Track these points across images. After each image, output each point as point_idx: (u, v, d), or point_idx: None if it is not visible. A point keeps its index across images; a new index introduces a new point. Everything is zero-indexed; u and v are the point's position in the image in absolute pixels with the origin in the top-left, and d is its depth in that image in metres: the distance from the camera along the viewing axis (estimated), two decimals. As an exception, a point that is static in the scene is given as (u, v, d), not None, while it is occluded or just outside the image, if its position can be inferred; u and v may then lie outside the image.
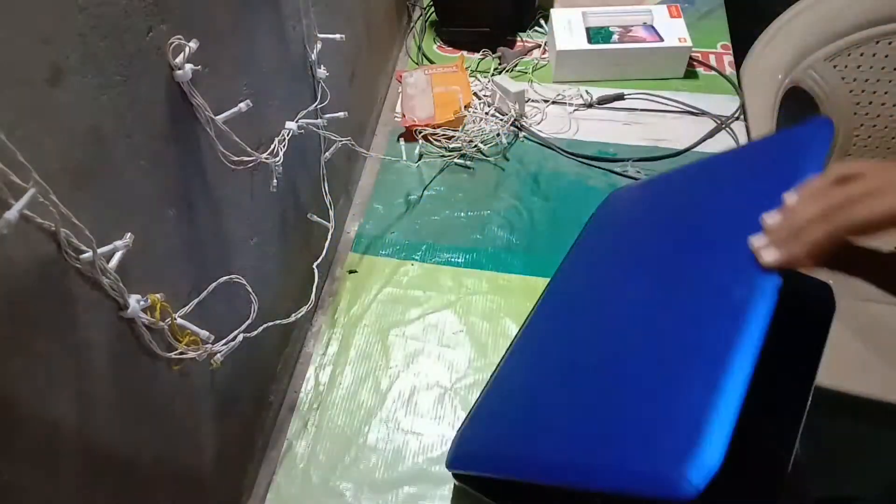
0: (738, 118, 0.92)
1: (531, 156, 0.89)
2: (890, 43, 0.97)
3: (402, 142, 0.92)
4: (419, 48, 1.07)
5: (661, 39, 0.96)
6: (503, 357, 0.64)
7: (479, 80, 0.99)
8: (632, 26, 0.98)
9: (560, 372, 0.53)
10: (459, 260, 0.78)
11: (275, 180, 0.59)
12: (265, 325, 0.58)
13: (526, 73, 1.01)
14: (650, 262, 0.55)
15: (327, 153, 0.73)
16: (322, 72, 0.69)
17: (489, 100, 0.94)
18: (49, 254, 0.34)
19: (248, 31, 0.54)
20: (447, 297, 0.75)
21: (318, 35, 0.68)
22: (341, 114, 0.71)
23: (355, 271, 0.78)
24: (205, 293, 0.50)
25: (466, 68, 1.00)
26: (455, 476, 0.57)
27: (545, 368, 0.56)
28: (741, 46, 1.02)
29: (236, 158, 0.52)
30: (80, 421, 0.38)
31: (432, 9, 1.09)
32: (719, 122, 0.91)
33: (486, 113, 0.93)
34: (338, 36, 0.69)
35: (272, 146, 0.60)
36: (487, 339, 0.71)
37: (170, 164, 0.45)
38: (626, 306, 0.53)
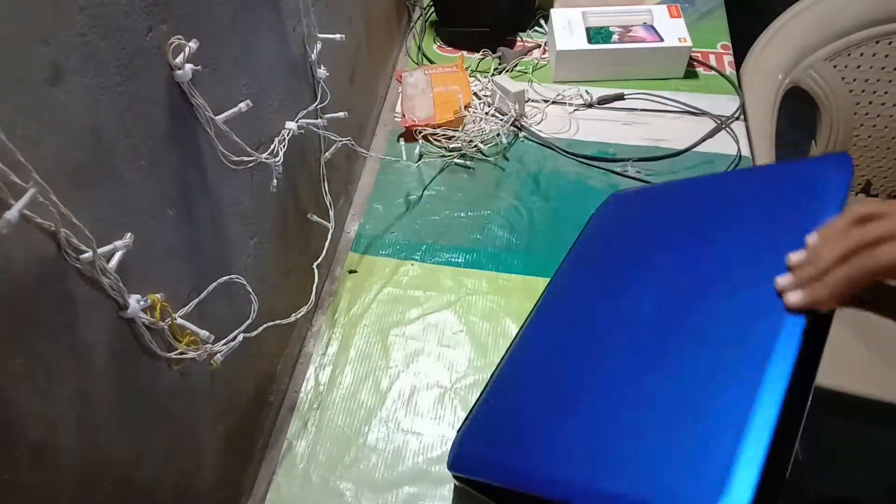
0: (738, 118, 0.92)
1: (531, 156, 0.89)
2: (890, 43, 0.97)
3: (402, 142, 0.92)
4: (419, 48, 1.07)
5: (661, 39, 0.96)
6: (503, 357, 0.64)
7: (479, 80, 0.99)
8: (632, 26, 0.98)
9: (566, 382, 0.53)
10: (459, 260, 0.78)
11: (275, 180, 0.59)
12: (265, 325, 0.58)
13: (526, 73, 1.01)
14: (661, 275, 0.55)
15: (327, 153, 0.73)
16: (322, 72, 0.69)
17: (489, 100, 0.94)
18: (49, 254, 0.34)
19: (248, 32, 0.54)
20: (447, 297, 0.75)
21: (318, 35, 0.68)
22: (341, 114, 0.71)
23: (355, 271, 0.78)
24: (205, 293, 0.50)
25: (466, 68, 1.00)
26: (455, 477, 0.57)
27: (550, 376, 0.56)
28: (741, 46, 1.02)
29: (236, 158, 0.52)
30: (79, 421, 0.38)
31: (432, 9, 1.09)
32: (719, 122, 0.91)
33: (486, 113, 0.93)
34: (338, 36, 0.69)
35: (272, 146, 0.60)
36: (487, 339, 0.71)
37: (170, 164, 0.45)
38: (635, 319, 0.53)
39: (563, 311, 0.63)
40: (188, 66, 0.44)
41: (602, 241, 0.69)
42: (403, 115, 0.93)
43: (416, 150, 0.90)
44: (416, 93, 0.95)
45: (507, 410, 0.57)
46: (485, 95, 0.96)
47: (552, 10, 1.01)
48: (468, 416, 0.60)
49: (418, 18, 1.13)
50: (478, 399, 0.61)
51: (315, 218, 0.73)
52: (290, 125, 0.62)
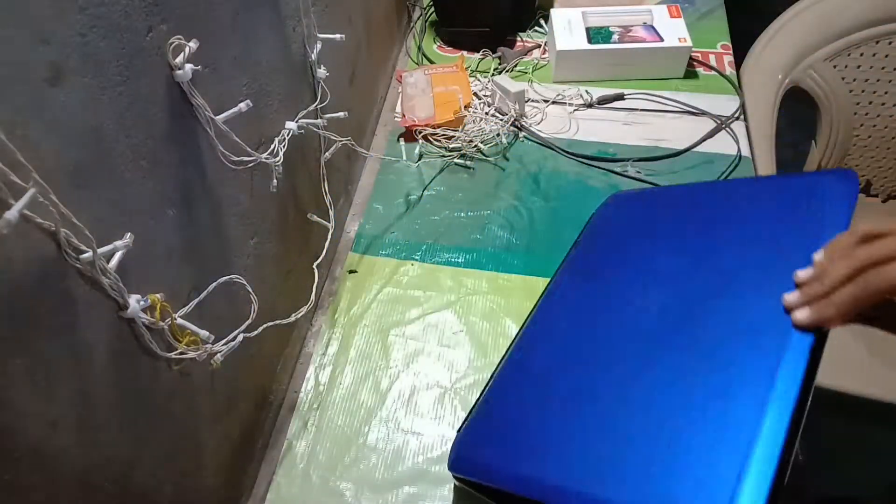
0: (738, 118, 0.92)
1: (531, 156, 0.89)
2: (890, 43, 0.97)
3: (402, 142, 0.92)
4: (419, 48, 1.07)
5: (661, 39, 0.96)
6: (503, 357, 0.64)
7: (479, 80, 0.99)
8: (632, 26, 0.98)
9: (568, 386, 0.53)
10: (459, 260, 0.78)
11: (275, 180, 0.59)
12: (265, 325, 0.58)
13: (526, 73, 1.01)
14: (664, 282, 0.55)
15: (327, 153, 0.73)
16: (322, 72, 0.69)
17: (489, 100, 0.94)
18: (49, 254, 0.34)
19: (248, 32, 0.54)
20: (447, 297, 0.75)
21: (318, 35, 0.68)
22: (341, 114, 0.71)
23: (355, 271, 0.78)
24: (205, 293, 0.50)
25: (466, 68, 1.00)
26: (456, 477, 0.57)
27: (551, 379, 0.56)
28: (741, 46, 1.02)
29: (236, 158, 0.52)
30: (79, 421, 0.38)
31: (432, 9, 1.09)
32: (719, 122, 0.91)
33: (486, 113, 0.93)
34: (338, 36, 0.69)
35: (272, 146, 0.60)
36: (487, 339, 0.71)
37: (170, 164, 0.45)
38: (638, 324, 0.53)
39: (564, 312, 0.63)
40: (188, 66, 0.44)
41: (602, 241, 0.69)
42: (403, 115, 0.93)
43: (416, 150, 0.90)
44: (416, 93, 0.95)
45: (508, 412, 0.57)
46: (485, 95, 0.96)
47: (552, 10, 1.01)
48: (468, 416, 0.60)
49: (418, 18, 1.13)
50: (478, 399, 0.61)
51: (315, 218, 0.73)
52: (290, 125, 0.62)
